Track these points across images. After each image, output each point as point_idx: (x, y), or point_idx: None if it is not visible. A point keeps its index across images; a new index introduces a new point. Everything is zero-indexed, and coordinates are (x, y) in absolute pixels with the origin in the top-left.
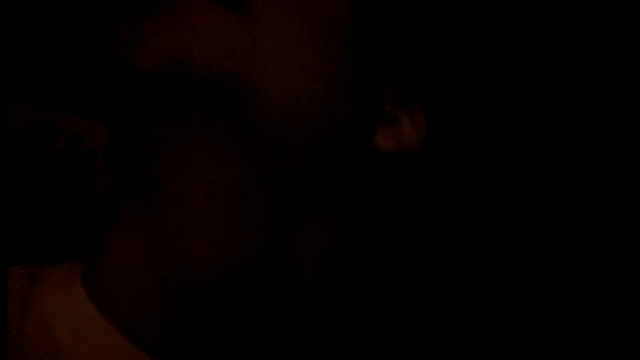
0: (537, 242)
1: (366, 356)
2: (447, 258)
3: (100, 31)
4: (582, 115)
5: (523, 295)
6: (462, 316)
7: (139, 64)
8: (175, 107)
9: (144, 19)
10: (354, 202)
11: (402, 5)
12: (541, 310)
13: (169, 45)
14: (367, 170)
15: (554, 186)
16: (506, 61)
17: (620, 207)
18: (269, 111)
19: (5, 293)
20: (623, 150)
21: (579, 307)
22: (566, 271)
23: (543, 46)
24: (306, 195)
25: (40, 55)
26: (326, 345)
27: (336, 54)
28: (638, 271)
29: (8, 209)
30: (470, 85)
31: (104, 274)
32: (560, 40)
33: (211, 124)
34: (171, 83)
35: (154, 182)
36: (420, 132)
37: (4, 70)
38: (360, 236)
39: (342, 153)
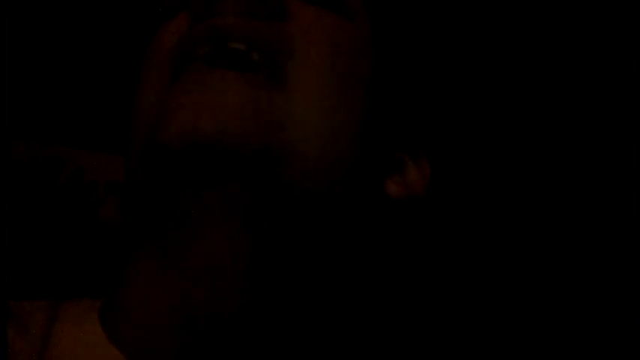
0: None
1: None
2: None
3: (103, 64)
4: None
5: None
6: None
7: (173, 139)
8: (206, 179)
9: (173, 88)
10: (362, 246)
11: (414, 63)
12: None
13: (204, 123)
14: (378, 215)
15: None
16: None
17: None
18: (298, 177)
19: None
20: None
21: (579, 307)
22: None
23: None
24: (320, 244)
25: (40, 88)
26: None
27: (359, 113)
28: (639, 271)
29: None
30: (470, 135)
31: (124, 315)
32: (560, 76)
33: (241, 192)
34: (203, 159)
35: (178, 241)
36: (425, 178)
37: (5, 84)
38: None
39: (358, 201)
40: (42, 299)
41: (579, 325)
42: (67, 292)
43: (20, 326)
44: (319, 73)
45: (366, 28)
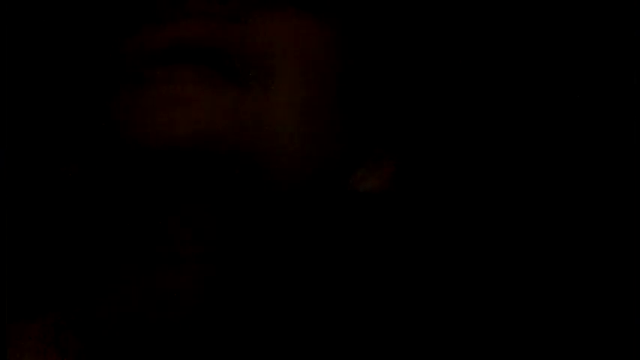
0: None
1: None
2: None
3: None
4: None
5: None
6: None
7: (146, 141)
8: (183, 179)
9: (145, 92)
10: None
11: (387, 58)
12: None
13: (178, 127)
14: (345, 208)
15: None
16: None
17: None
18: (272, 175)
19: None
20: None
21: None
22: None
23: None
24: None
25: None
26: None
27: (331, 111)
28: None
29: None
30: (443, 131)
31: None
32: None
33: (216, 190)
34: (178, 159)
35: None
36: (391, 172)
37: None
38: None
39: (327, 196)
40: None
41: (546, 326)
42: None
43: None
44: (286, 75)
45: (336, 25)
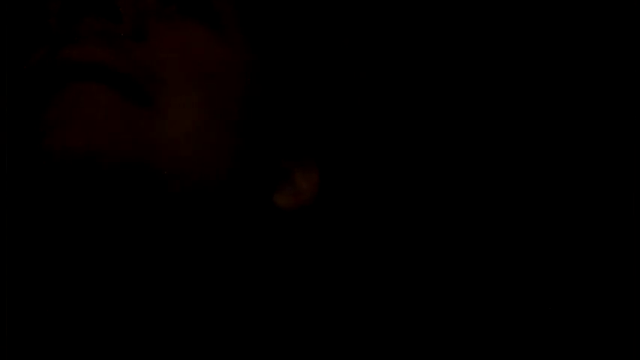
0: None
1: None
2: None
3: None
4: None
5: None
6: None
7: (48, 155)
8: (86, 191)
9: (46, 108)
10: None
11: (291, 77)
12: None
13: (76, 141)
14: (266, 226)
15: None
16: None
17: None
18: (172, 191)
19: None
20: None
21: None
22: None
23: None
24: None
25: None
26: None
27: (233, 128)
28: (639, 271)
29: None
30: (362, 140)
31: None
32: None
33: (114, 204)
34: (80, 172)
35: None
36: (314, 186)
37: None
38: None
39: (243, 214)
40: None
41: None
42: None
43: None
44: (184, 93)
45: (239, 41)
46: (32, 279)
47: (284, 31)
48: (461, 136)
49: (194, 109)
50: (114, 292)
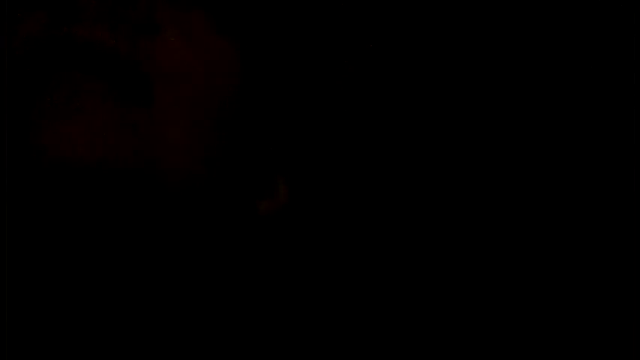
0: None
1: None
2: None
3: None
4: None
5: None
6: None
7: (46, 151)
8: (80, 191)
9: (43, 107)
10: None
11: (286, 81)
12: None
13: (78, 149)
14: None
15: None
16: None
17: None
18: (172, 189)
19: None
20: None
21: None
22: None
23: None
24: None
25: None
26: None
27: (225, 134)
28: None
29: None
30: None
31: None
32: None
33: (115, 204)
34: (75, 171)
35: None
36: (286, 195)
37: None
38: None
39: (226, 218)
40: None
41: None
42: None
43: None
44: (186, 95)
45: (238, 44)
46: (32, 279)
47: (278, 31)
48: (459, 136)
49: (196, 109)
50: (114, 291)
